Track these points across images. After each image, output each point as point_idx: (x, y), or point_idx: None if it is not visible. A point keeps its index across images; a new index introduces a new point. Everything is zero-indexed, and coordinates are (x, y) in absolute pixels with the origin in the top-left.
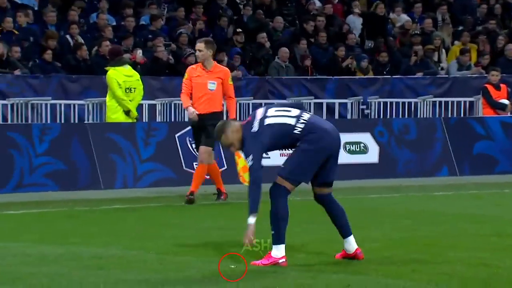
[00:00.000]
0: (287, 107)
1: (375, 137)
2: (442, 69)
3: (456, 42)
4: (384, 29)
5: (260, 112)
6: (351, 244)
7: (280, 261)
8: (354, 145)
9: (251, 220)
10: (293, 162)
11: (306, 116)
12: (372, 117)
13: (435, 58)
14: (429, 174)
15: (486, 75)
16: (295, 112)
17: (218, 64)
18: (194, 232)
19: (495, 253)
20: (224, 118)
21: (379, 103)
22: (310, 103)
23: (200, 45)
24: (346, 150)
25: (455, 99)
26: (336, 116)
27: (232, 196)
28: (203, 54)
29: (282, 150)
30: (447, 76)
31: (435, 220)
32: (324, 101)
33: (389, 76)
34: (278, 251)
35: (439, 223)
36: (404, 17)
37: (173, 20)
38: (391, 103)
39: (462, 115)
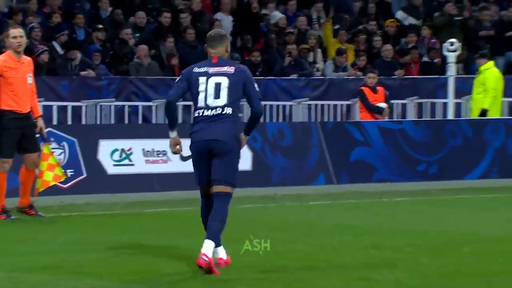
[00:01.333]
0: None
1: (248, 143)
2: (317, 70)
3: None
4: (257, 26)
5: (214, 68)
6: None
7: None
8: None
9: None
10: (235, 168)
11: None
12: (245, 121)
13: (310, 59)
14: (305, 183)
15: (363, 77)
16: (215, 102)
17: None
18: (50, 247)
19: (373, 267)
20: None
21: None
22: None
23: (21, 31)
24: None
25: (332, 102)
26: None
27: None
28: (25, 42)
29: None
30: (322, 78)
31: (312, 232)
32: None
33: (262, 77)
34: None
35: (316, 236)
36: (277, 14)
37: (23, 12)
38: (264, 106)
39: (339, 120)
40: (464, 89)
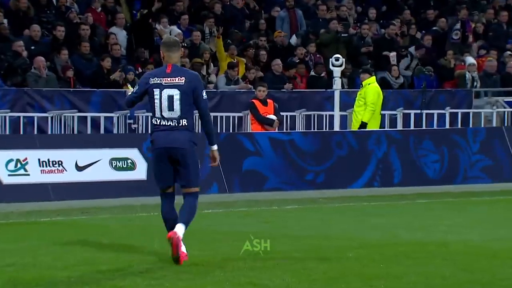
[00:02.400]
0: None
1: (143, 153)
2: (210, 83)
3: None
4: (151, 40)
5: (176, 81)
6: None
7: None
8: (121, 161)
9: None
10: (198, 168)
11: (163, 122)
12: (140, 132)
13: (203, 72)
14: (200, 192)
15: (253, 90)
16: (169, 114)
17: None
18: None
19: (264, 271)
20: None
21: (147, 117)
22: (73, 117)
23: None
24: (112, 166)
25: (224, 114)
26: (102, 131)
27: None
28: None
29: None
30: (215, 90)
31: (205, 239)
32: (89, 114)
33: None
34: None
35: (209, 242)
36: (174, 28)
37: None
38: None
39: (231, 131)
40: (349, 102)
